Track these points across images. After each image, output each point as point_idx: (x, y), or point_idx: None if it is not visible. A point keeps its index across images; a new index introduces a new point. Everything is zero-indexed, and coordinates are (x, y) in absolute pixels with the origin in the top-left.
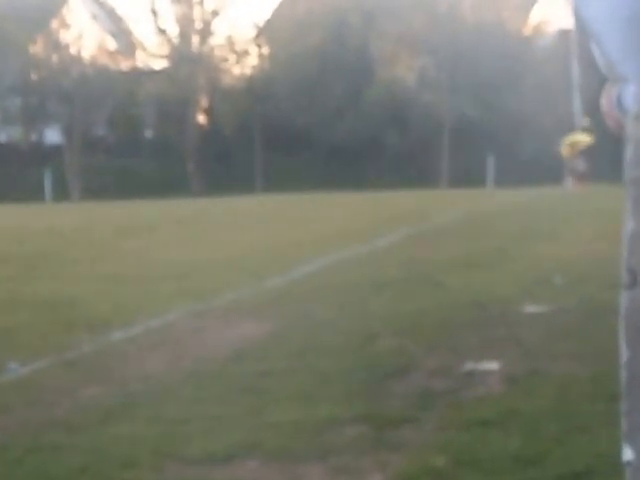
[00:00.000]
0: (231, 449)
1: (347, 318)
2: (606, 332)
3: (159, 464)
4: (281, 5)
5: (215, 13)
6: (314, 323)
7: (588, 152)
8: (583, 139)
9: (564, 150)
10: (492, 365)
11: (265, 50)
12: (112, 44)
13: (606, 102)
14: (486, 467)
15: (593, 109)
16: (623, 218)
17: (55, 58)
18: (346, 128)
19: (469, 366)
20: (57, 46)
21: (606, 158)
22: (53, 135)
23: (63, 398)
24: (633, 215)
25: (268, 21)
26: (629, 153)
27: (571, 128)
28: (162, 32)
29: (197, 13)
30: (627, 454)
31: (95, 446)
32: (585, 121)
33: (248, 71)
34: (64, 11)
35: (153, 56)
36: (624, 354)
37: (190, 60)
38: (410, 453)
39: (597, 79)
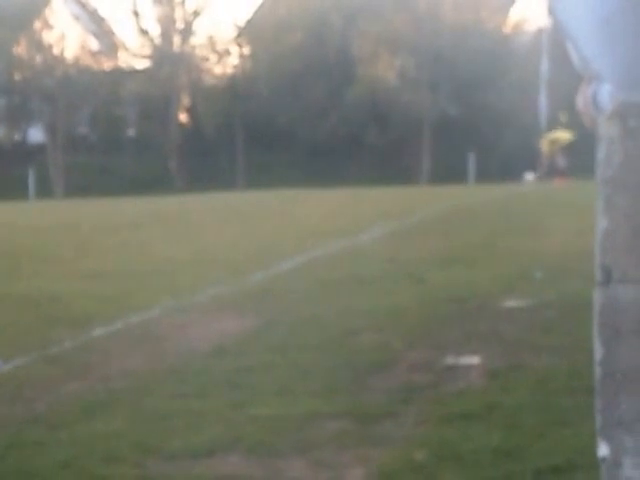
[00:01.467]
0: (213, 444)
1: (329, 313)
2: (586, 326)
3: (141, 459)
4: (262, 5)
5: (196, 13)
6: (296, 318)
7: (568, 148)
8: (563, 136)
9: (544, 147)
10: (473, 359)
11: (246, 50)
12: (94, 44)
13: (581, 101)
14: (467, 461)
15: (571, 106)
16: (596, 217)
17: (38, 58)
18: (328, 126)
19: (450, 360)
20: (40, 46)
21: (587, 154)
22: (36, 134)
23: (45, 394)
24: (605, 214)
25: (249, 21)
26: (601, 153)
27: (539, 125)
28: (144, 32)
29: (178, 13)
30: (602, 450)
31: (77, 441)
32: (563, 117)
33: (229, 70)
34: (47, 12)
35: (135, 56)
36: (598, 351)
37: (172, 60)
38: (391, 447)
39: (571, 76)
